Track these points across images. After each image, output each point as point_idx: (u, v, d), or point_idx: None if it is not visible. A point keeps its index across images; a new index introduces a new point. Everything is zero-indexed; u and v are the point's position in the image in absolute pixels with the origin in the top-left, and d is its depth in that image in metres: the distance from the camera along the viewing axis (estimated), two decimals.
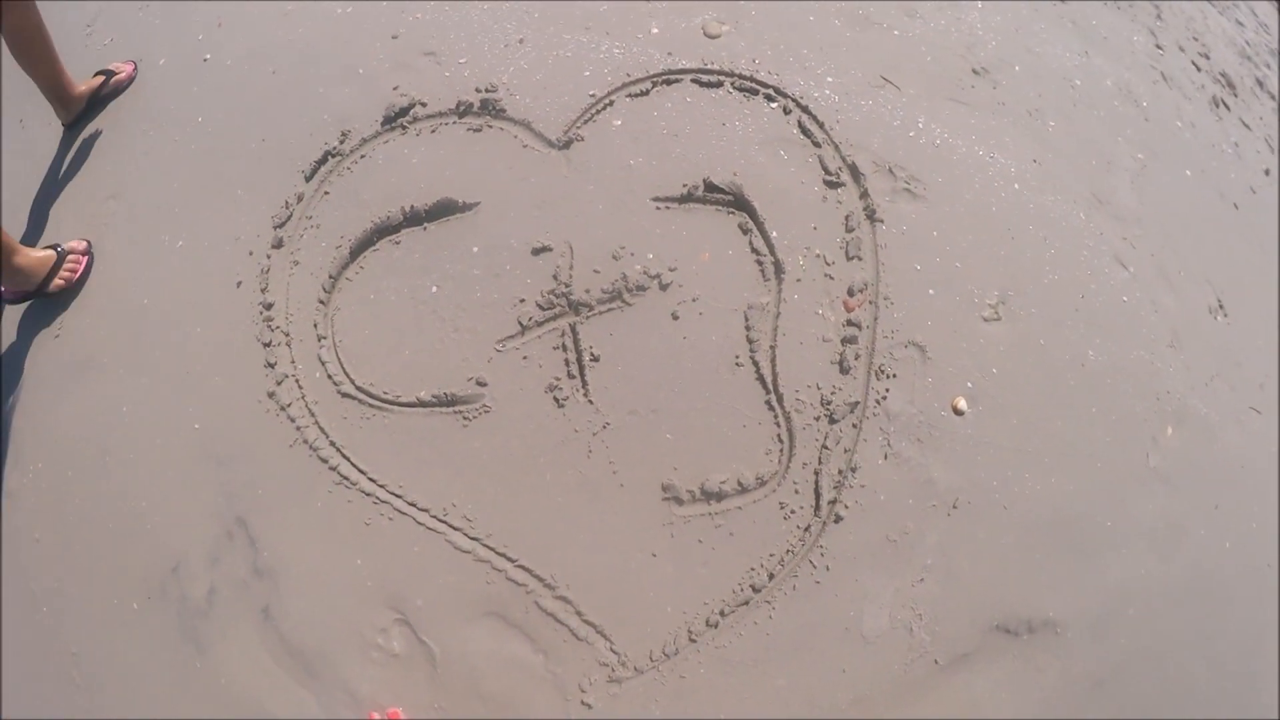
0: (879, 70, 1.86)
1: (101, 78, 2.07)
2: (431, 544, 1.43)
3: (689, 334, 1.54)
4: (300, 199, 1.76)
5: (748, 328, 1.54)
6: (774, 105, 1.76)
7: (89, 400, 1.69)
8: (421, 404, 1.54)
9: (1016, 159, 1.80)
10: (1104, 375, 1.60)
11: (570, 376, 1.53)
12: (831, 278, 1.58)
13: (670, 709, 1.32)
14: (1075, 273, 1.69)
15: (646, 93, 1.78)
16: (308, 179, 1.78)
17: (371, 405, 1.55)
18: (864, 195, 1.65)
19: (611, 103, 1.77)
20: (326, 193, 1.76)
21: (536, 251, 1.62)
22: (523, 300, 1.59)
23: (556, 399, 1.51)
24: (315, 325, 1.64)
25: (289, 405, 1.56)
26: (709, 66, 1.80)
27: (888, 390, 1.49)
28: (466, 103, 1.79)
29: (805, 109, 1.75)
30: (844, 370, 1.51)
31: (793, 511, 1.42)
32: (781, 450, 1.47)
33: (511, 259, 1.62)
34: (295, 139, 1.83)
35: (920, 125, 1.77)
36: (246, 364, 1.62)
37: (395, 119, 1.80)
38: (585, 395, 1.51)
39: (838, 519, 1.41)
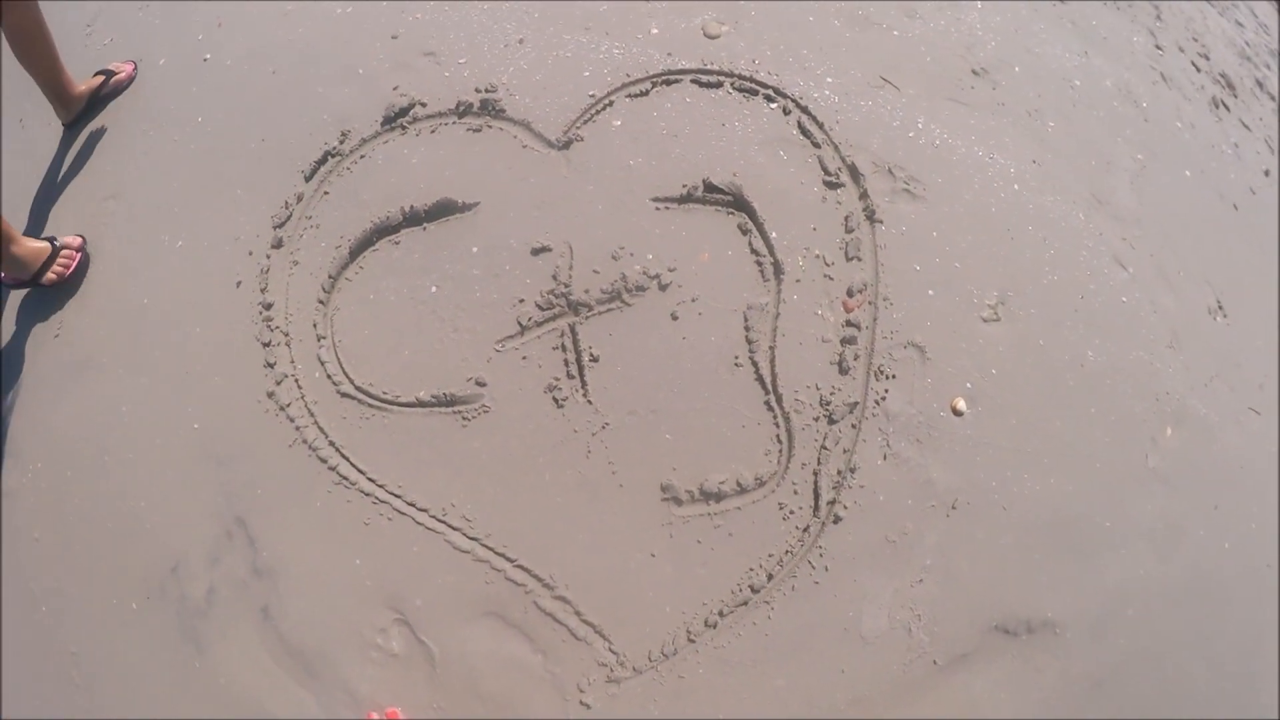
0: (878, 71, 1.86)
1: (101, 77, 2.07)
2: (431, 544, 1.43)
3: (688, 334, 1.54)
4: (300, 199, 1.76)
5: (747, 328, 1.54)
6: (773, 106, 1.76)
7: (88, 400, 1.69)
8: (421, 404, 1.54)
9: (1016, 159, 1.80)
10: (1103, 376, 1.60)
11: (569, 377, 1.53)
12: (831, 278, 1.58)
13: (669, 709, 1.32)
14: (1075, 273, 1.69)
15: (646, 93, 1.78)
16: (307, 179, 1.78)
17: (371, 405, 1.55)
18: (863, 196, 1.65)
19: (611, 103, 1.77)
20: (326, 193, 1.77)
21: (536, 252, 1.62)
22: (522, 300, 1.59)
23: (556, 399, 1.51)
24: (315, 325, 1.64)
25: (288, 405, 1.56)
26: (709, 67, 1.80)
27: (887, 391, 1.49)
28: (466, 103, 1.79)
29: (805, 109, 1.75)
30: (843, 371, 1.51)
31: (792, 512, 1.42)
32: (780, 451, 1.47)
33: (511, 259, 1.62)
34: (295, 139, 1.84)
35: (920, 126, 1.77)
36: (246, 364, 1.62)
37: (395, 119, 1.80)
38: (584, 395, 1.51)
39: (837, 520, 1.41)
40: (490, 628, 1.37)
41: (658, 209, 1.65)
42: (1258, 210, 2.20)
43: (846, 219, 1.63)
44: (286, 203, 1.76)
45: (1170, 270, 1.83)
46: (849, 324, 1.54)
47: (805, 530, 1.41)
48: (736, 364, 1.52)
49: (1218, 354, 1.79)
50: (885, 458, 1.45)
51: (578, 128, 1.74)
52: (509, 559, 1.41)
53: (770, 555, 1.40)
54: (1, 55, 2.10)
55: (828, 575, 1.38)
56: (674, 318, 1.56)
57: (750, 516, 1.42)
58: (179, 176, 1.89)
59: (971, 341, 1.56)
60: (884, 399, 1.48)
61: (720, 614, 1.36)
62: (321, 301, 1.66)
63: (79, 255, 1.82)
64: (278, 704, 1.37)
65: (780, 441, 1.47)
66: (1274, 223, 2.22)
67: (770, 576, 1.38)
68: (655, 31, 1.87)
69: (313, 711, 1.36)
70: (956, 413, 1.50)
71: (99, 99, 2.08)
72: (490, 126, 1.77)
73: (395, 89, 1.84)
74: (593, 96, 1.77)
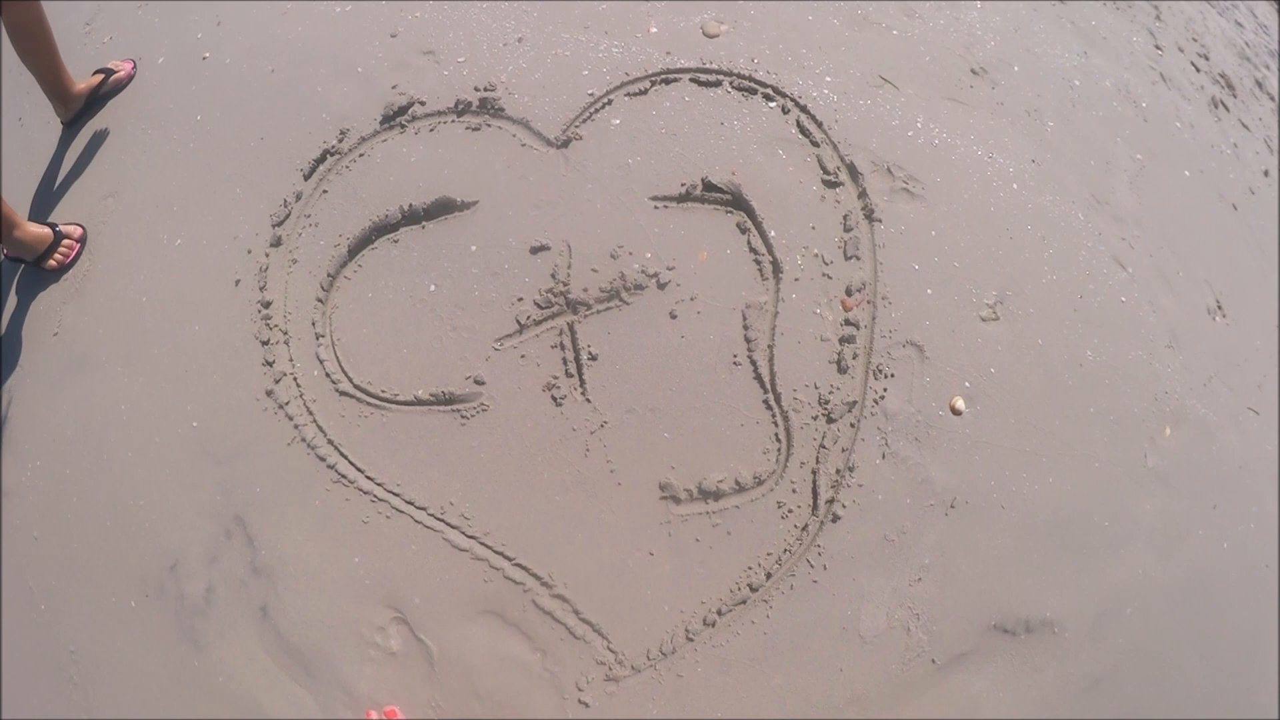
0: (877, 70, 1.86)
1: (100, 76, 2.07)
2: (429, 542, 1.43)
3: (687, 333, 1.54)
4: (299, 197, 1.76)
5: (745, 327, 1.54)
6: (772, 105, 1.76)
7: (87, 398, 1.69)
8: (419, 402, 1.54)
9: (1015, 159, 1.80)
10: (1102, 375, 1.60)
11: (568, 375, 1.53)
12: (829, 277, 1.58)
13: (667, 708, 1.32)
14: (1073, 273, 1.69)
15: (645, 92, 1.78)
16: (306, 177, 1.78)
17: (369, 403, 1.55)
18: (862, 195, 1.65)
19: (610, 102, 1.77)
20: (325, 191, 1.76)
21: (535, 250, 1.62)
22: (521, 299, 1.59)
23: (554, 398, 1.51)
24: (313, 323, 1.64)
25: (287, 403, 1.56)
26: (708, 66, 1.80)
27: (885, 390, 1.49)
28: (465, 101, 1.79)
29: (804, 108, 1.75)
30: (842, 369, 1.51)
31: (790, 511, 1.42)
32: (779, 449, 1.47)
33: (510, 258, 1.62)
34: (294, 137, 1.83)
35: (919, 125, 1.77)
36: (244, 362, 1.62)
37: (394, 118, 1.80)
38: (583, 394, 1.51)
39: (835, 518, 1.41)
40: (489, 626, 1.37)
41: (656, 208, 1.65)
42: (1257, 210, 2.20)
43: (845, 218, 1.63)
44: (285, 201, 1.76)
45: (1169, 270, 1.83)
46: (848, 323, 1.54)
47: (804, 529, 1.41)
48: (735, 363, 1.52)
49: (1217, 354, 1.79)
50: (884, 457, 1.45)
51: (576, 126, 1.74)
52: (507, 557, 1.41)
53: (769, 554, 1.40)
54: (1, 53, 2.11)
55: (826, 574, 1.38)
56: (673, 316, 1.56)
57: (749, 515, 1.42)
58: (178, 175, 1.89)
59: (970, 341, 1.56)
60: (882, 398, 1.48)
61: (719, 613, 1.36)
62: (320, 300, 1.66)
63: (78, 246, 1.85)
64: (276, 703, 1.37)
65: (779, 440, 1.47)
66: (1273, 223, 2.22)
67: (769, 575, 1.38)
68: (654, 30, 1.87)
69: (311, 710, 1.36)
70: (955, 412, 1.50)
71: (98, 97, 2.08)
72: (489, 125, 1.77)
73: (394, 88, 1.83)
74: (592, 95, 1.77)
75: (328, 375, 1.58)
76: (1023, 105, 1.92)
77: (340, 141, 1.80)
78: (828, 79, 1.81)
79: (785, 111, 1.75)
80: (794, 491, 1.43)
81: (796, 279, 1.58)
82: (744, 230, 1.63)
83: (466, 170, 1.72)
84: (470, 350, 1.57)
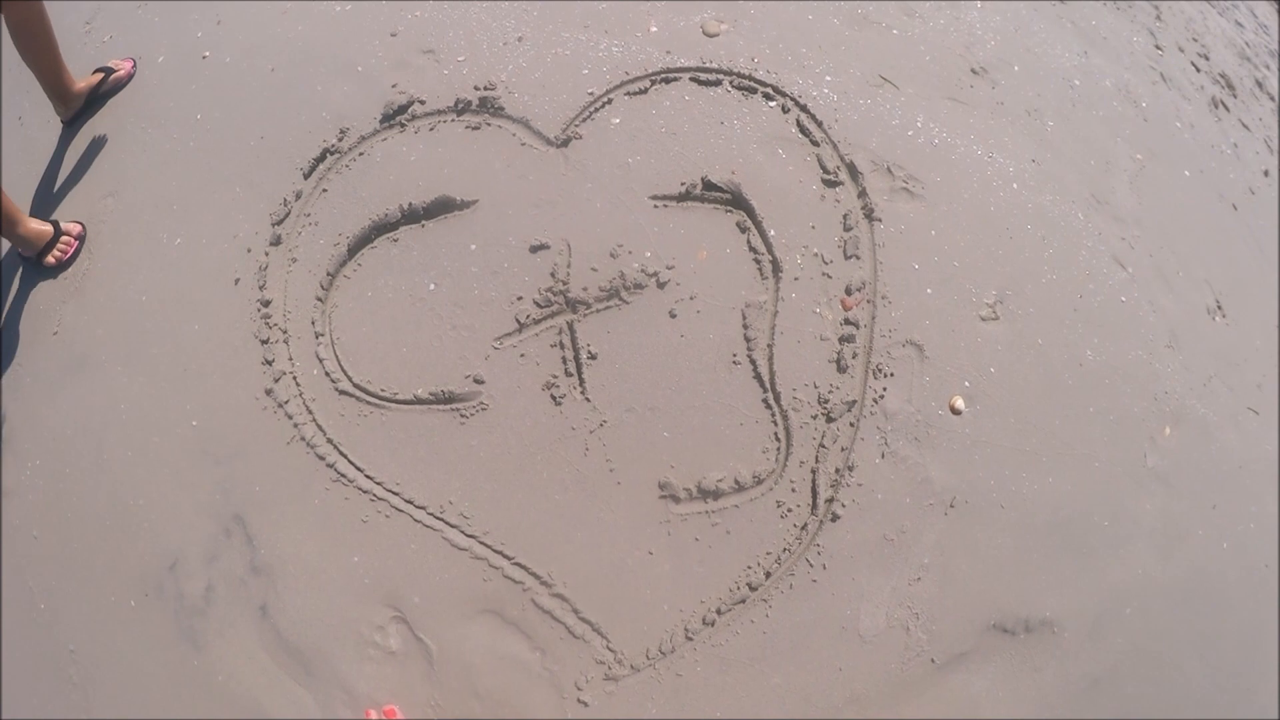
0: (878, 69, 1.86)
1: (100, 75, 2.07)
2: (428, 541, 1.43)
3: (686, 332, 1.54)
4: (299, 196, 1.76)
5: (745, 326, 1.54)
6: (772, 104, 1.76)
7: (86, 397, 1.69)
8: (419, 401, 1.54)
9: (1015, 158, 1.80)
10: (1102, 375, 1.60)
11: (568, 374, 1.53)
12: (829, 276, 1.58)
13: (666, 707, 1.32)
14: (1073, 272, 1.69)
15: (645, 91, 1.78)
16: (306, 176, 1.78)
17: (369, 402, 1.55)
18: (862, 194, 1.65)
19: (610, 101, 1.77)
20: (325, 190, 1.76)
21: (534, 249, 1.62)
22: (520, 298, 1.59)
23: (554, 397, 1.51)
24: (313, 322, 1.64)
25: (286, 402, 1.56)
26: (708, 65, 1.80)
27: (885, 389, 1.49)
28: (465, 100, 1.79)
29: (804, 108, 1.75)
30: (841, 369, 1.51)
31: (790, 510, 1.42)
32: (779, 449, 1.47)
33: (509, 257, 1.62)
34: (294, 136, 1.83)
35: (919, 124, 1.77)
36: (244, 361, 1.62)
37: (394, 117, 1.80)
38: (582, 393, 1.51)
39: (835, 518, 1.41)
40: (488, 625, 1.37)
41: (656, 207, 1.65)
42: (1257, 210, 2.20)
43: (845, 217, 1.63)
44: (285, 200, 1.76)
45: (1169, 270, 1.83)
46: (847, 322, 1.54)
47: (803, 528, 1.41)
48: (735, 362, 1.52)
49: (1216, 354, 1.79)
50: (883, 456, 1.45)
51: (576, 126, 1.74)
52: (507, 556, 1.41)
53: (768, 553, 1.40)
54: (1, 52, 2.11)
55: (826, 573, 1.38)
56: (672, 315, 1.56)
57: (748, 514, 1.42)
58: (177, 174, 1.89)
59: (970, 340, 1.55)
60: (882, 397, 1.48)
61: (718, 612, 1.36)
62: (320, 299, 1.66)
63: (76, 244, 1.86)
64: (275, 702, 1.37)
65: (778, 439, 1.47)
66: (1273, 223, 2.22)
67: (768, 574, 1.38)
68: (654, 29, 1.87)
69: (310, 709, 1.36)
70: (955, 411, 1.50)
71: (98, 96, 2.08)
72: (489, 124, 1.77)
73: (394, 86, 1.83)
74: (591, 94, 1.77)
75: (327, 374, 1.58)
76: (1023, 105, 1.92)
77: (340, 140, 1.80)
78: (828, 78, 1.81)
79: (785, 111, 1.75)
80: (793, 491, 1.43)
81: (796, 278, 1.57)
82: (744, 229, 1.63)
83: (466, 169, 1.72)
84: (470, 349, 1.57)
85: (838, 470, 1.44)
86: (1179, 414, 1.65)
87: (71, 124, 2.08)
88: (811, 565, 1.39)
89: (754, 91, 1.77)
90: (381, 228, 1.69)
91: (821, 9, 1.95)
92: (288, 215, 1.75)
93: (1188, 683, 1.49)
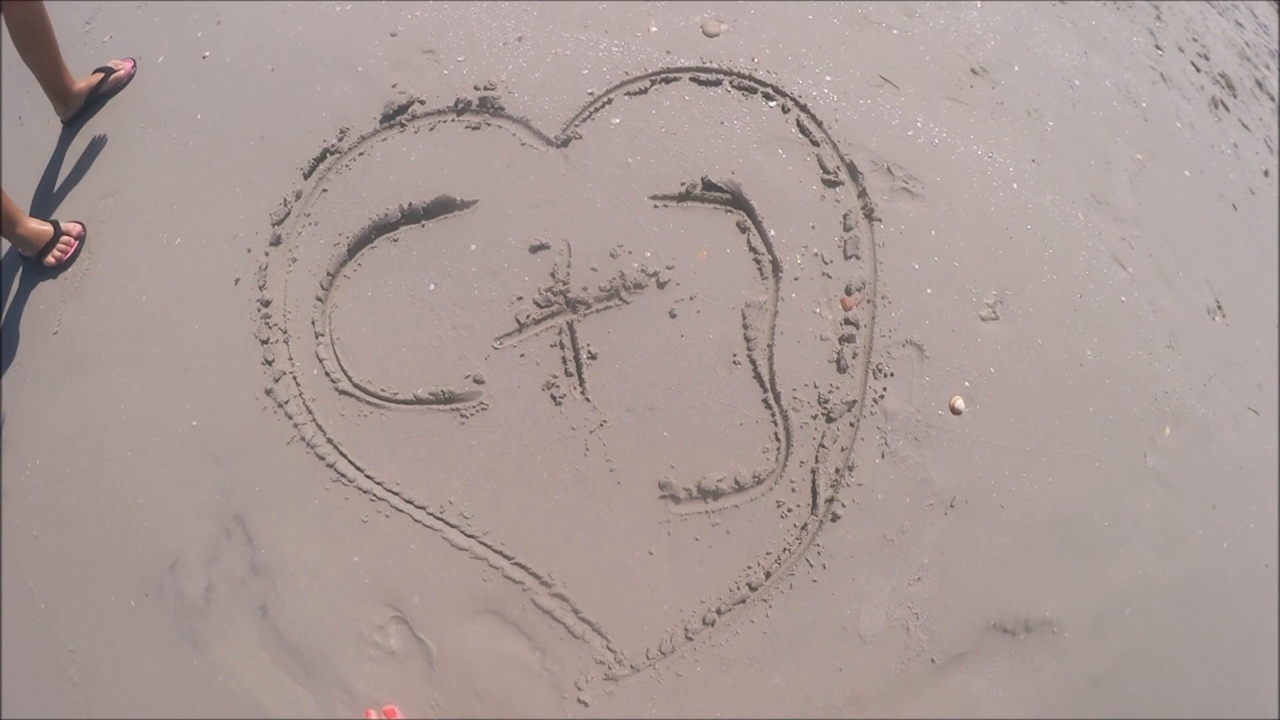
0: (878, 69, 1.86)
1: (100, 75, 2.07)
2: (428, 541, 1.43)
3: (686, 332, 1.54)
4: (298, 196, 1.76)
5: (745, 326, 1.54)
6: (772, 104, 1.76)
7: (86, 397, 1.69)
8: (419, 401, 1.54)
9: (1015, 158, 1.80)
10: (1102, 375, 1.60)
11: (567, 374, 1.53)
12: (829, 276, 1.58)
13: (666, 707, 1.32)
14: (1073, 272, 1.69)
15: (645, 91, 1.78)
16: (306, 176, 1.78)
17: (369, 402, 1.55)
18: (862, 194, 1.65)
19: (610, 101, 1.77)
20: (325, 190, 1.76)
21: (534, 249, 1.62)
22: (520, 298, 1.59)
23: (554, 397, 1.51)
24: (313, 322, 1.64)
25: (286, 402, 1.56)
26: (708, 65, 1.80)
27: (885, 389, 1.49)
28: (465, 100, 1.79)
29: (804, 108, 1.75)
30: (841, 369, 1.51)
31: (790, 510, 1.42)
32: (779, 449, 1.47)
33: (509, 257, 1.62)
34: (294, 136, 1.83)
35: (919, 124, 1.77)
36: (244, 361, 1.62)
37: (394, 117, 1.80)
38: (582, 393, 1.51)
39: (835, 518, 1.41)
40: (488, 625, 1.37)
41: (656, 207, 1.65)
42: (1257, 210, 2.20)
43: (845, 217, 1.63)
44: (285, 200, 1.76)
45: (1169, 270, 1.83)
46: (847, 322, 1.54)
47: (803, 528, 1.41)
48: (735, 362, 1.52)
49: (1216, 354, 1.79)
50: (883, 456, 1.45)
51: (576, 125, 1.74)
52: (507, 556, 1.41)
53: (768, 553, 1.40)
54: (1, 52, 2.11)
55: (826, 573, 1.38)
56: (672, 315, 1.56)
57: (748, 514, 1.42)
58: (177, 174, 1.89)
59: (970, 340, 1.55)
60: (882, 397, 1.48)
61: (718, 612, 1.36)
62: (320, 299, 1.66)
63: (76, 244, 1.86)
64: (275, 702, 1.37)
65: (778, 439, 1.47)
66: (1273, 223, 2.22)
67: (768, 574, 1.38)
68: (654, 29, 1.87)
69: (310, 709, 1.36)
70: (955, 411, 1.50)
71: (98, 96, 2.08)
72: (489, 124, 1.77)
73: (394, 86, 1.83)
74: (591, 94, 1.77)
75: (327, 374, 1.58)
76: (1023, 105, 1.92)
77: (340, 140, 1.80)
78: (828, 78, 1.81)
79: (785, 111, 1.75)
80: (793, 491, 1.43)
81: (796, 278, 1.57)
82: (744, 229, 1.63)
83: (466, 169, 1.72)
84: (470, 349, 1.57)
85: (838, 470, 1.44)
86: (1179, 414, 1.65)
87: (71, 124, 2.08)
88: (811, 565, 1.39)
89: (754, 91, 1.77)
90: (381, 228, 1.69)
91: (821, 9, 1.95)
92: (288, 215, 1.75)
93: (1188, 683, 1.49)
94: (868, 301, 1.55)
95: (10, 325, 1.85)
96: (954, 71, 1.91)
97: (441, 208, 1.69)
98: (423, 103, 1.80)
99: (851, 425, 1.47)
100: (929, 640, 1.37)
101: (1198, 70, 2.44)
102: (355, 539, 1.45)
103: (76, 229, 1.87)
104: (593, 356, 1.53)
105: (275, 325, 1.64)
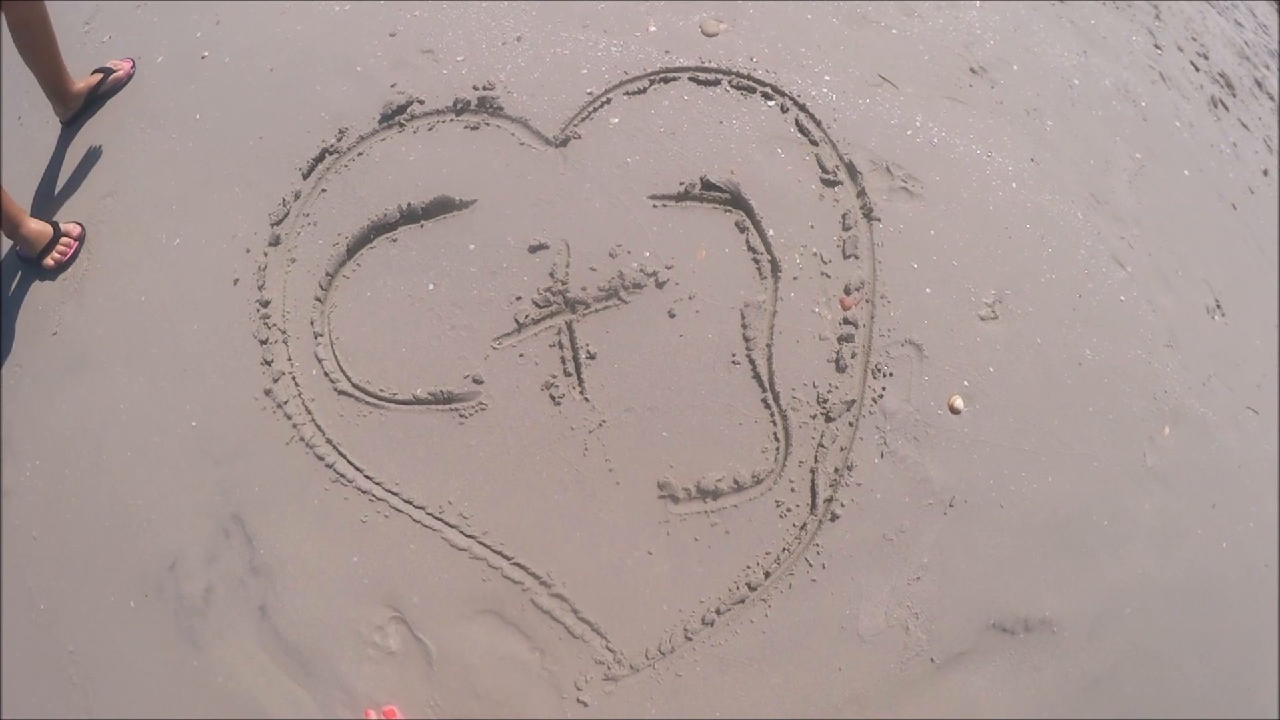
0: (877, 69, 1.86)
1: (99, 75, 2.07)
2: (427, 541, 1.43)
3: (685, 332, 1.54)
4: (297, 196, 1.76)
5: (744, 326, 1.54)
6: (771, 103, 1.76)
7: (86, 397, 1.69)
8: (418, 401, 1.54)
9: (1014, 158, 1.80)
10: (1101, 375, 1.60)
11: (566, 374, 1.53)
12: (828, 276, 1.58)
13: (666, 707, 1.32)
14: (1072, 272, 1.69)
15: (644, 91, 1.78)
16: (305, 176, 1.78)
17: (368, 403, 1.55)
18: (861, 194, 1.65)
19: (609, 100, 1.77)
20: (324, 190, 1.76)
21: (533, 249, 1.62)
22: (519, 298, 1.59)
23: (553, 397, 1.51)
24: (312, 323, 1.64)
25: (285, 403, 1.56)
26: (706, 65, 1.80)
27: (884, 389, 1.49)
28: (464, 100, 1.79)
29: (803, 107, 1.75)
30: (840, 368, 1.51)
31: (789, 510, 1.42)
32: (778, 448, 1.47)
33: (508, 257, 1.62)
34: (293, 136, 1.83)
35: (918, 124, 1.77)
36: (243, 361, 1.62)
37: (393, 116, 1.80)
38: (581, 393, 1.51)
39: (834, 517, 1.41)
40: (487, 625, 1.37)
41: (655, 206, 1.65)
42: (1256, 210, 2.20)
43: (844, 217, 1.63)
44: (284, 200, 1.76)
45: (1168, 269, 1.83)
46: (846, 322, 1.54)
47: (802, 528, 1.41)
48: (734, 362, 1.52)
49: (1216, 353, 1.79)
50: (882, 456, 1.45)
51: (575, 125, 1.74)
52: (506, 556, 1.41)
53: (767, 553, 1.40)
54: (1, 52, 2.11)
55: (825, 573, 1.38)
56: (671, 315, 1.56)
57: (747, 514, 1.42)
58: (176, 174, 1.89)
59: (969, 340, 1.55)
60: (881, 397, 1.48)
61: (717, 612, 1.36)
62: (319, 299, 1.66)
63: (75, 245, 1.86)
64: (275, 702, 1.37)
65: (777, 439, 1.47)
66: (1273, 222, 2.22)
67: (767, 574, 1.38)
68: (653, 29, 1.87)
69: (310, 710, 1.36)
70: (954, 411, 1.50)
71: (97, 96, 2.08)
72: (488, 124, 1.77)
73: (393, 86, 1.83)
74: (590, 94, 1.77)
75: (326, 374, 1.58)
76: (1022, 104, 1.92)
77: (339, 140, 1.80)
78: (827, 78, 1.81)
79: (784, 110, 1.75)
80: (792, 490, 1.43)
81: (795, 278, 1.57)
82: (742, 229, 1.63)
83: (465, 169, 1.72)
84: (469, 349, 1.57)
85: (837, 470, 1.44)
86: (1178, 413, 1.65)
87: (71, 124, 2.08)
88: (811, 565, 1.39)
89: (753, 91, 1.77)
90: (380, 228, 1.69)
91: (820, 8, 1.95)
92: (287, 215, 1.75)
93: (1187, 682, 1.49)
94: (866, 301, 1.55)
95: (10, 325, 1.85)
96: (953, 71, 1.91)
97: (440, 208, 1.69)
98: (422, 103, 1.80)
99: (850, 425, 1.47)
100: (928, 640, 1.37)
101: (1197, 70, 2.44)
102: (354, 539, 1.45)
103: (76, 230, 1.87)
104: (592, 356, 1.53)
105: (274, 325, 1.64)
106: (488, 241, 1.64)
